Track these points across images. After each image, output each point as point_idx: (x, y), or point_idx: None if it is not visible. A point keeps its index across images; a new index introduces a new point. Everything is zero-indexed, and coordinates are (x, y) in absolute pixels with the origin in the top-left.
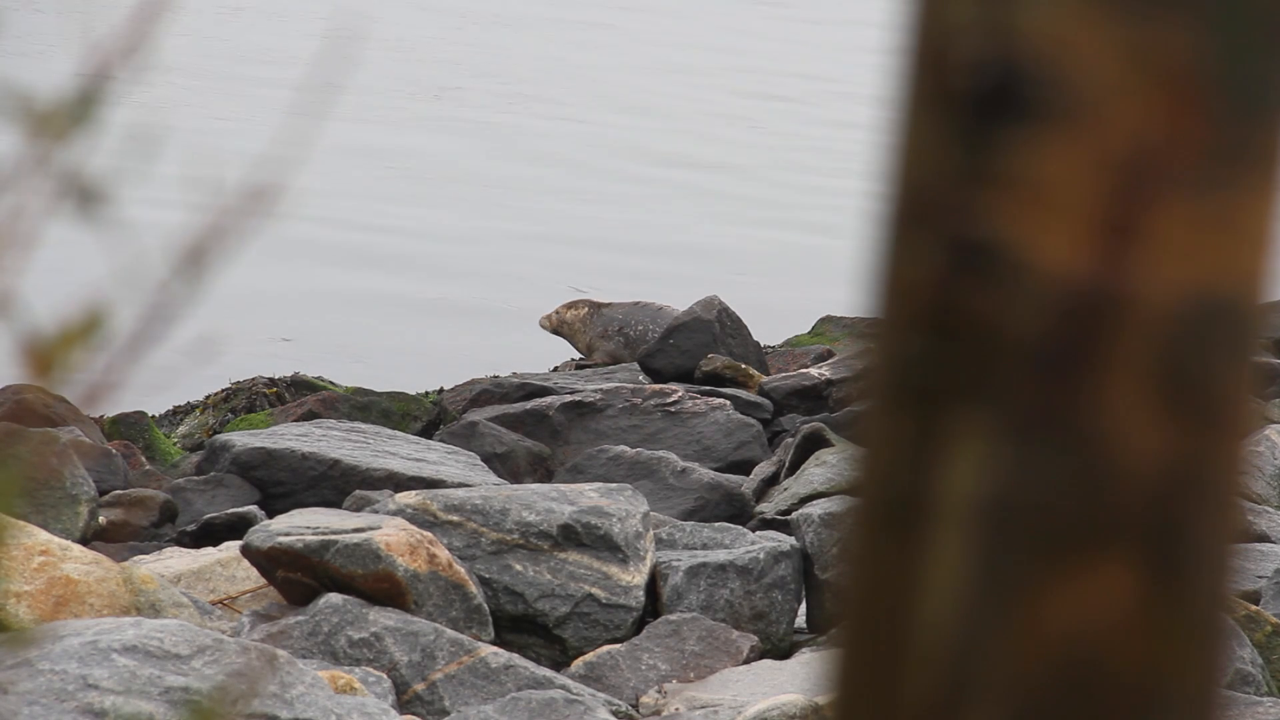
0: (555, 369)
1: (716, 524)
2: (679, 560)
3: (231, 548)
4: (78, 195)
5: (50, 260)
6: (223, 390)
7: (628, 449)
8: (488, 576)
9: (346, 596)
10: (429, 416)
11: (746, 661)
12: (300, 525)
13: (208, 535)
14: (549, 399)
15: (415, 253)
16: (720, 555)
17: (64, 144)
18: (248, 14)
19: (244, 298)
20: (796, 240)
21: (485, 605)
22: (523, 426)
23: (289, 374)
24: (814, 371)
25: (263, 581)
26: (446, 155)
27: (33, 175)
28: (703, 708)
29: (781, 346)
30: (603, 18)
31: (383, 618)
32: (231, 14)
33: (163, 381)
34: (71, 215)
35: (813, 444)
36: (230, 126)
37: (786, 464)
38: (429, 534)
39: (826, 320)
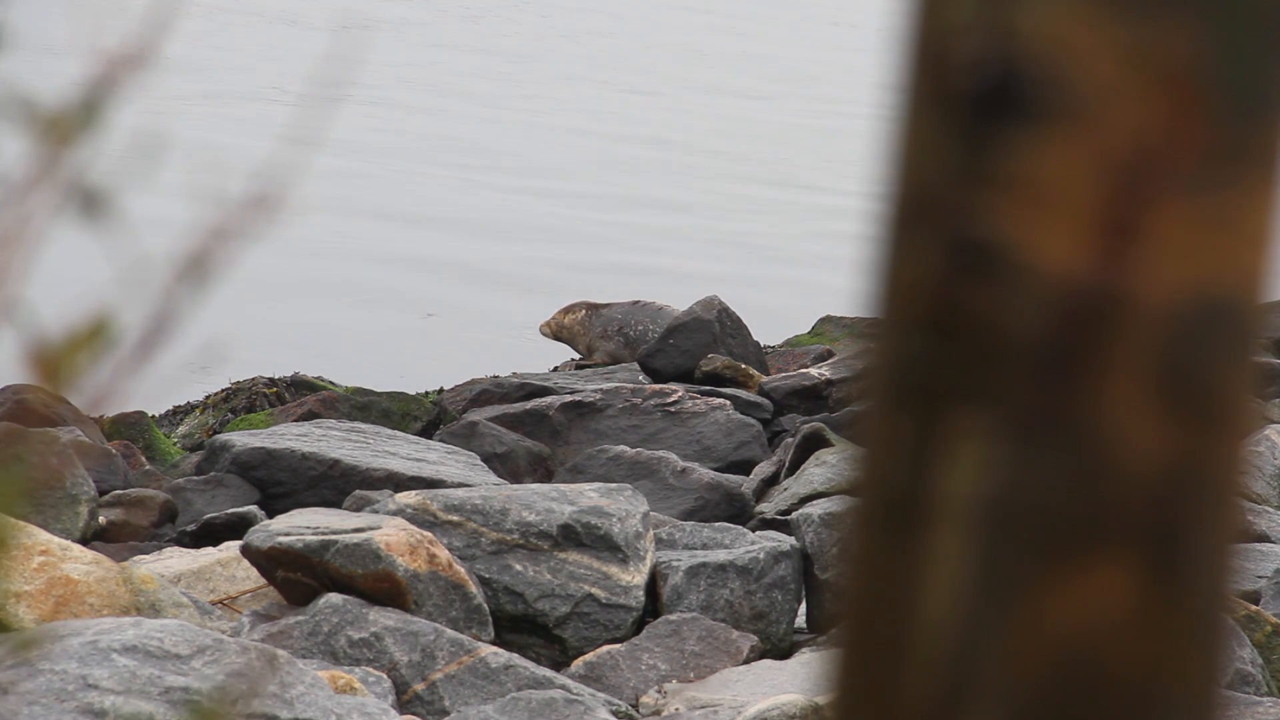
0: (555, 369)
1: (716, 524)
2: (679, 560)
3: (231, 548)
4: (83, 200)
5: (55, 265)
6: (223, 390)
7: (628, 449)
8: (488, 576)
9: (346, 596)
10: (429, 416)
11: (746, 661)
12: (300, 525)
13: (208, 535)
14: (549, 399)
15: (417, 250)
16: (720, 555)
17: (69, 149)
18: (253, 20)
19: (243, 297)
20: (797, 240)
21: (485, 605)
22: (523, 426)
23: (289, 374)
24: (814, 371)
25: (263, 581)
26: (449, 155)
27: (38, 180)
28: (703, 708)
29: (781, 346)
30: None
31: (383, 618)
32: (237, 19)
33: (167, 387)
34: (76, 220)
35: (813, 444)
36: (235, 131)
37: (786, 464)
38: (429, 534)
39: (826, 320)
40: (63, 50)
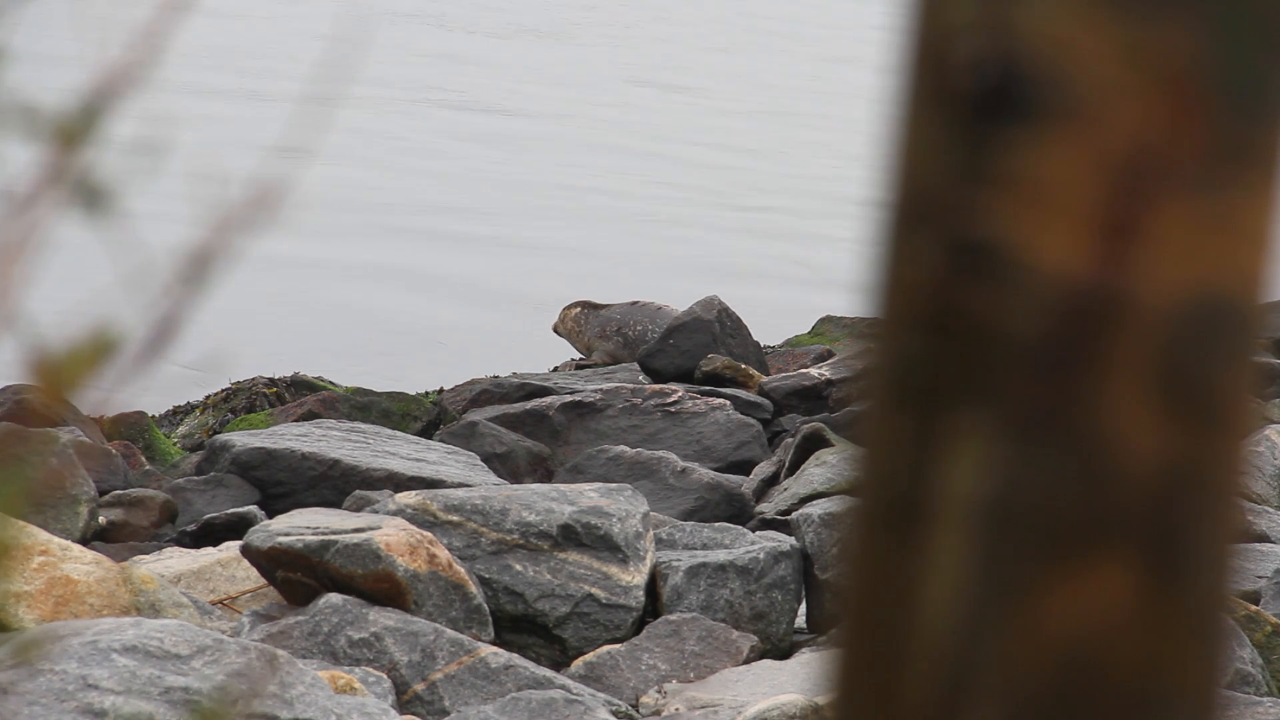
0: (555, 369)
1: (716, 524)
2: (679, 560)
3: (231, 548)
4: (85, 202)
5: (57, 267)
6: (223, 390)
7: (628, 449)
8: (488, 576)
9: (346, 596)
10: (429, 416)
11: (746, 661)
12: (300, 525)
13: (208, 535)
14: (549, 399)
15: (418, 250)
16: (720, 555)
17: (73, 155)
18: (255, 20)
19: (244, 298)
20: (797, 239)
21: (485, 605)
22: (523, 426)
23: (289, 374)
24: (814, 371)
25: (263, 581)
26: (447, 152)
27: (41, 184)
28: (703, 708)
29: (781, 346)
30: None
31: (383, 618)
32: (238, 19)
33: (167, 389)
34: (79, 222)
35: (813, 444)
36: (237, 132)
37: (786, 464)
38: (429, 534)
39: (826, 320)
40: (66, 54)
